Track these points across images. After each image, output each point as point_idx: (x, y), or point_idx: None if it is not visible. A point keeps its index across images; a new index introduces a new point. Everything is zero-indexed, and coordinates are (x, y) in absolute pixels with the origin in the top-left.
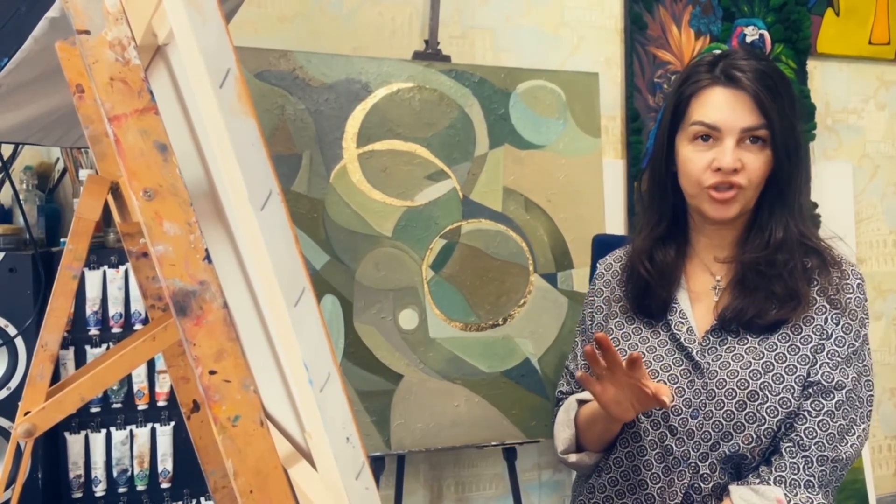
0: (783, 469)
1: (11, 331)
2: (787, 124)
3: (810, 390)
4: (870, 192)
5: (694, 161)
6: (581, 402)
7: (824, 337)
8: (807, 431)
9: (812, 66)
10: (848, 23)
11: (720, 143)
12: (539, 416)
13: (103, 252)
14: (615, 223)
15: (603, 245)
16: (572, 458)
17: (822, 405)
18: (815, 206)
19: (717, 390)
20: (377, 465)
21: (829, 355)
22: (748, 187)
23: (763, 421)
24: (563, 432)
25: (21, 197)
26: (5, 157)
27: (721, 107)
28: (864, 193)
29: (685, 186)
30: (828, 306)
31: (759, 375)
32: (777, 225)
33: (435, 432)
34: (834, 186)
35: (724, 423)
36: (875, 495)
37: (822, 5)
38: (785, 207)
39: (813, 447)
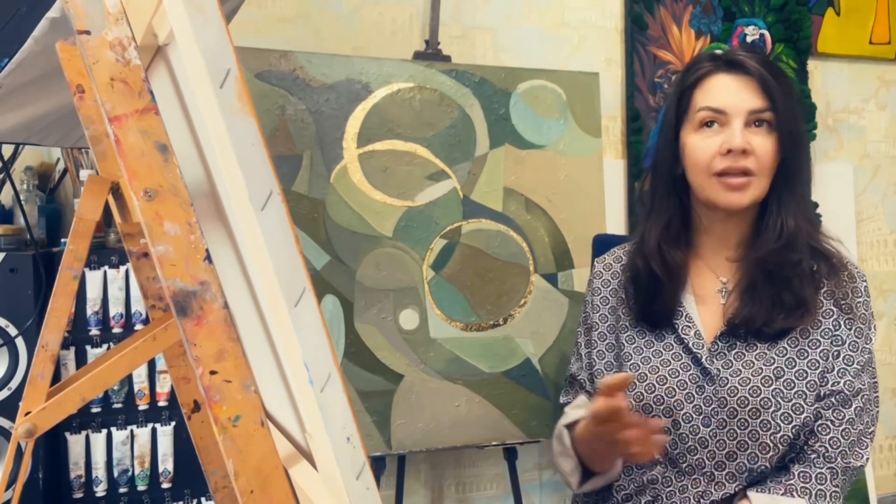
0: (808, 480)
1: (12, 331)
2: (790, 111)
3: (832, 399)
4: (870, 192)
5: (702, 148)
6: (569, 427)
7: (838, 343)
8: (831, 442)
9: (813, 65)
10: (848, 22)
11: (727, 127)
12: (540, 416)
13: (104, 252)
14: (616, 223)
15: (603, 245)
16: (588, 486)
17: (843, 414)
18: (816, 205)
19: (728, 398)
20: (378, 465)
21: (846, 361)
22: (759, 173)
23: (778, 429)
24: (567, 464)
25: (22, 197)
26: (6, 158)
27: (727, 90)
28: (865, 193)
29: (693, 177)
30: (835, 310)
31: (770, 382)
32: (787, 215)
33: (436, 432)
34: (835, 186)
35: (738, 431)
36: (876, 495)
37: (822, 5)
38: (793, 198)
39: (838, 458)
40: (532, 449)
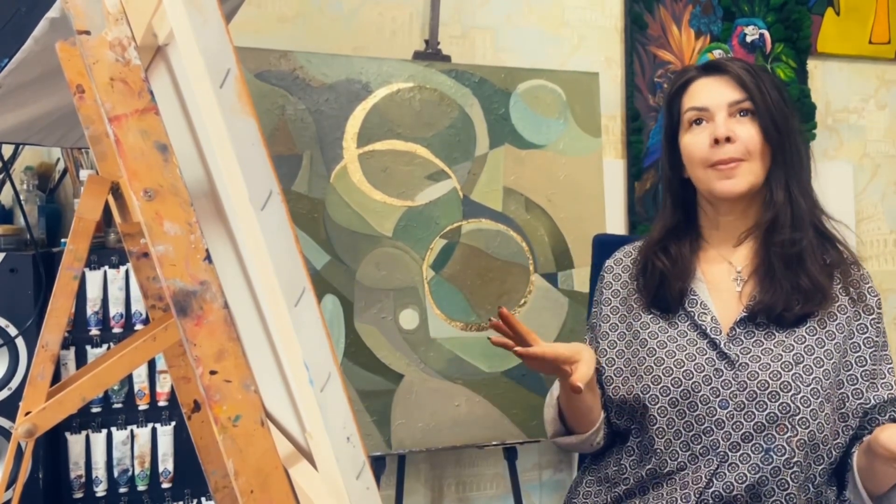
0: None
1: (12, 331)
2: (770, 99)
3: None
4: (870, 192)
5: (693, 143)
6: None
7: (870, 345)
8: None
9: (812, 65)
10: (848, 22)
11: (713, 122)
12: (540, 416)
13: (104, 252)
14: (615, 223)
15: (603, 245)
16: (560, 440)
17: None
18: None
19: (748, 381)
20: (378, 464)
21: (886, 360)
22: (748, 158)
23: (797, 411)
24: (548, 413)
25: (22, 197)
26: (6, 158)
27: (707, 89)
28: (865, 193)
29: (692, 172)
30: (849, 306)
31: (790, 367)
32: (777, 191)
33: (436, 432)
34: (834, 186)
35: (756, 413)
36: None
37: (822, 5)
38: (783, 178)
39: None
40: (532, 449)
